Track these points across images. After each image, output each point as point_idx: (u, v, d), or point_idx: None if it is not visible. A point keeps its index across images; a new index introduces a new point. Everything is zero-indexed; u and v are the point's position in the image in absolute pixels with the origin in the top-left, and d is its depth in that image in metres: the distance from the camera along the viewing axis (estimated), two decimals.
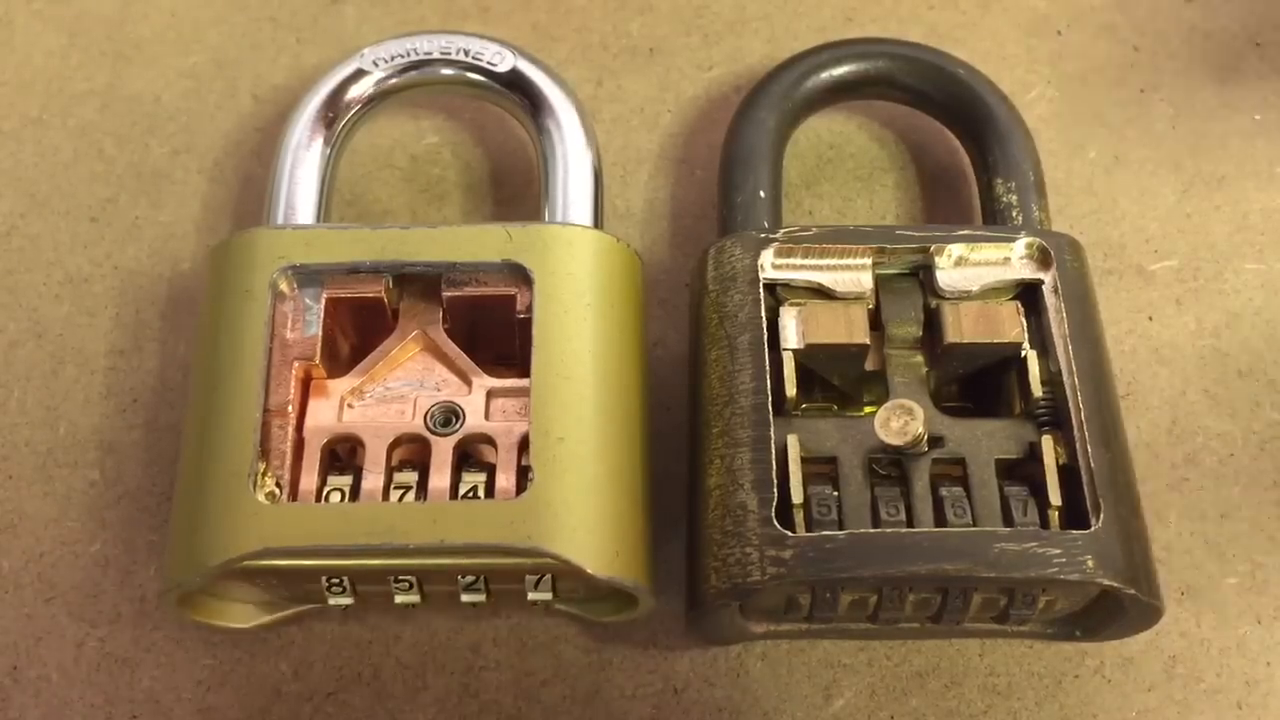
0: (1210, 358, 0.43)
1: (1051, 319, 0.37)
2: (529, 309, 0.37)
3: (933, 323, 0.37)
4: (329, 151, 0.41)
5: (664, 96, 0.48)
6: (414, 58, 0.42)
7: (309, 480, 0.36)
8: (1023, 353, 0.37)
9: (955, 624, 0.36)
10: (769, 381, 0.36)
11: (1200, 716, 0.38)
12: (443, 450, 0.36)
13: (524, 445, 0.35)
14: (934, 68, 0.43)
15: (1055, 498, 0.34)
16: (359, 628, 0.39)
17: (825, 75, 0.43)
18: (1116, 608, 0.35)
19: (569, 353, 0.36)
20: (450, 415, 0.37)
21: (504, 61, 0.42)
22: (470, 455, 0.37)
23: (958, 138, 0.44)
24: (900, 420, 0.35)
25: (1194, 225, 0.45)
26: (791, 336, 0.37)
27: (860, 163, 0.46)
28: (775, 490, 0.34)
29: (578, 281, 0.37)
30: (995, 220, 0.41)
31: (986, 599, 0.35)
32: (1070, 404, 0.35)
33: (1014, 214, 0.41)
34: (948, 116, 0.44)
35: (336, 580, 0.36)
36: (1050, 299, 0.37)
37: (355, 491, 0.36)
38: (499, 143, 0.47)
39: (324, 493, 0.36)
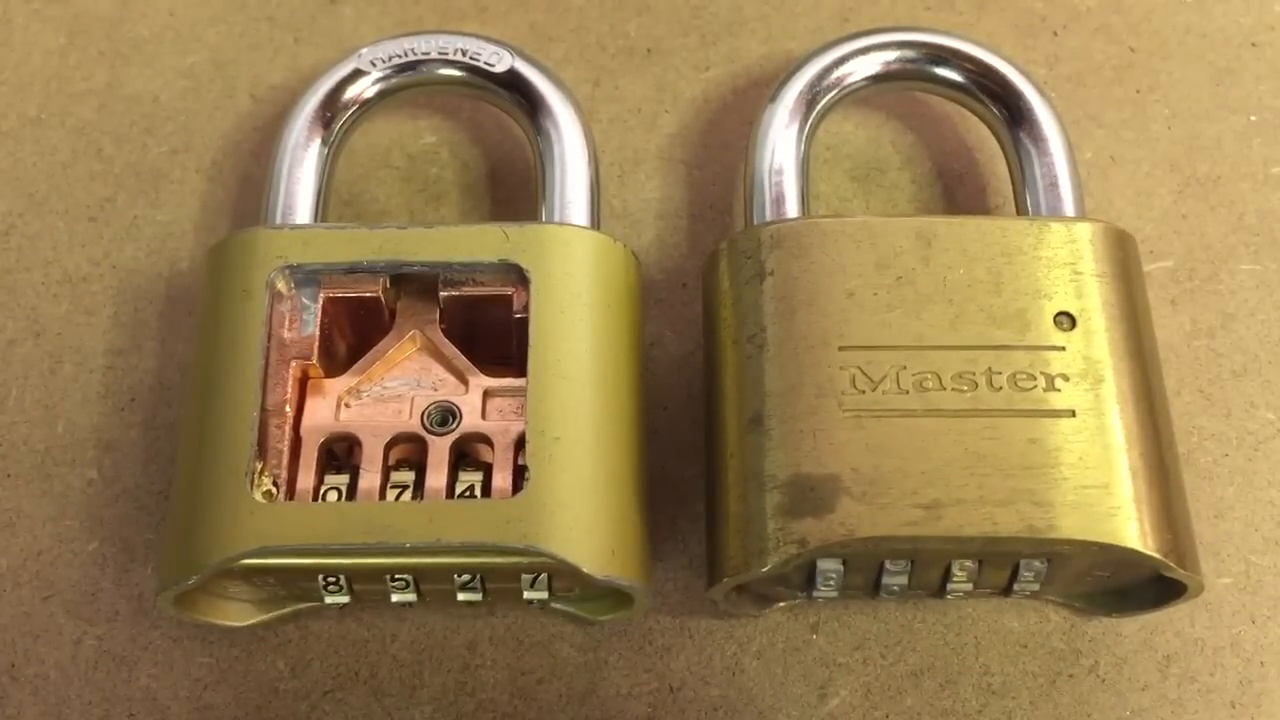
0: (1205, 358, 0.43)
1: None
2: (526, 309, 0.37)
3: None
4: (327, 151, 0.41)
5: (661, 97, 0.48)
6: (411, 58, 0.42)
7: (306, 479, 0.36)
8: None
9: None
10: None
11: (1194, 716, 0.38)
12: (439, 449, 0.36)
13: (520, 445, 0.36)
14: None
15: None
16: (356, 626, 0.39)
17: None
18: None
19: (566, 352, 0.36)
20: (447, 415, 0.37)
21: (501, 62, 0.42)
22: (467, 454, 0.37)
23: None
24: None
25: (1189, 226, 0.45)
26: None
27: (857, 163, 0.46)
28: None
29: (575, 281, 0.37)
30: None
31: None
32: None
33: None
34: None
35: (333, 579, 0.36)
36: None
37: (352, 490, 0.36)
38: (496, 143, 0.47)
39: (321, 492, 0.36)
